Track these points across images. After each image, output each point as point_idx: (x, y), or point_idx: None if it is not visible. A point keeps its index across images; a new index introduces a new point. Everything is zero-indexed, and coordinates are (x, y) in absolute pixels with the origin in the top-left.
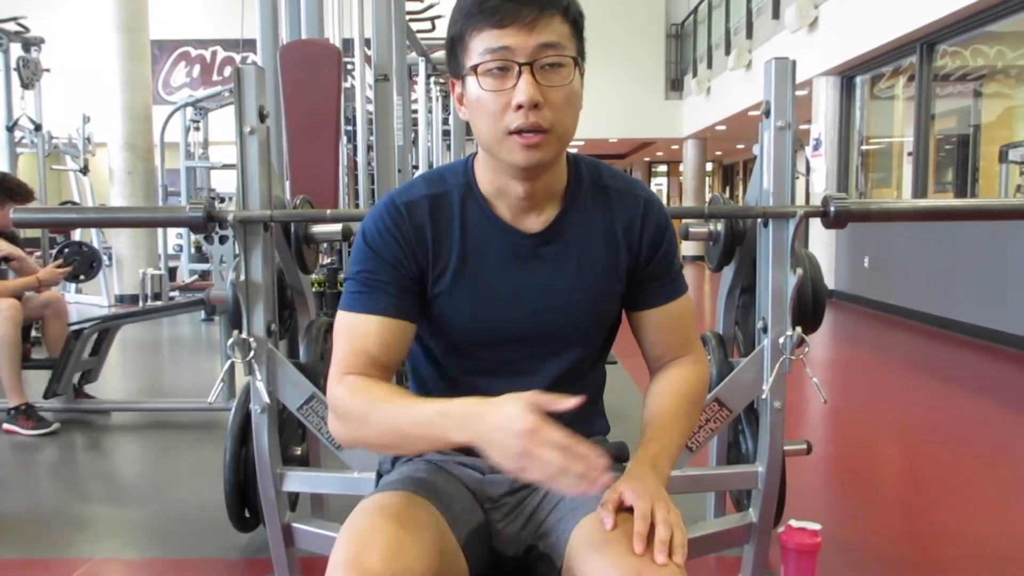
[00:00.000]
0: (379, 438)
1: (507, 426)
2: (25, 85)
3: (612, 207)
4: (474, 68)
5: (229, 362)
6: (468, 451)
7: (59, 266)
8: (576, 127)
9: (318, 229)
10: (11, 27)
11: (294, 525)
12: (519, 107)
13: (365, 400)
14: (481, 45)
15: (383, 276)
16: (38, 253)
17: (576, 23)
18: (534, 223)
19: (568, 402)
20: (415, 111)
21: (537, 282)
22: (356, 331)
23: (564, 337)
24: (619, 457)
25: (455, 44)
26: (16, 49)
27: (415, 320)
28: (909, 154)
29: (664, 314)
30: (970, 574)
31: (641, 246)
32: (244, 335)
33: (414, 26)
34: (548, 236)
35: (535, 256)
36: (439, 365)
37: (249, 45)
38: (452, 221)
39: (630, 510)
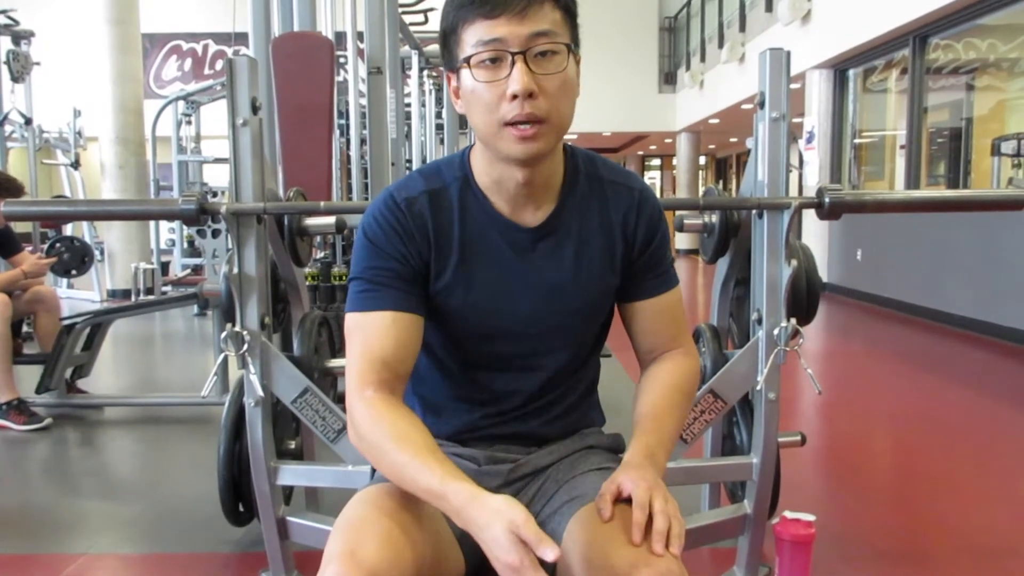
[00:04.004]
0: (387, 472)
1: (495, 549)
2: (15, 78)
3: (608, 200)
4: (467, 60)
5: (223, 356)
6: (464, 443)
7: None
8: (573, 115)
9: (312, 222)
10: (0, 20)
11: (288, 519)
12: (514, 97)
13: (379, 436)
14: (473, 37)
15: (389, 272)
16: (30, 248)
17: (568, 9)
18: (532, 217)
19: (549, 555)
20: (408, 104)
21: (535, 277)
22: (369, 333)
23: (562, 331)
24: (615, 448)
25: (448, 37)
26: (6, 42)
27: (424, 314)
28: (902, 147)
29: (656, 306)
30: (963, 565)
31: (636, 238)
32: (238, 328)
33: (407, 19)
34: (546, 230)
35: (533, 250)
36: (437, 358)
37: (241, 38)
38: (451, 216)
39: (627, 501)
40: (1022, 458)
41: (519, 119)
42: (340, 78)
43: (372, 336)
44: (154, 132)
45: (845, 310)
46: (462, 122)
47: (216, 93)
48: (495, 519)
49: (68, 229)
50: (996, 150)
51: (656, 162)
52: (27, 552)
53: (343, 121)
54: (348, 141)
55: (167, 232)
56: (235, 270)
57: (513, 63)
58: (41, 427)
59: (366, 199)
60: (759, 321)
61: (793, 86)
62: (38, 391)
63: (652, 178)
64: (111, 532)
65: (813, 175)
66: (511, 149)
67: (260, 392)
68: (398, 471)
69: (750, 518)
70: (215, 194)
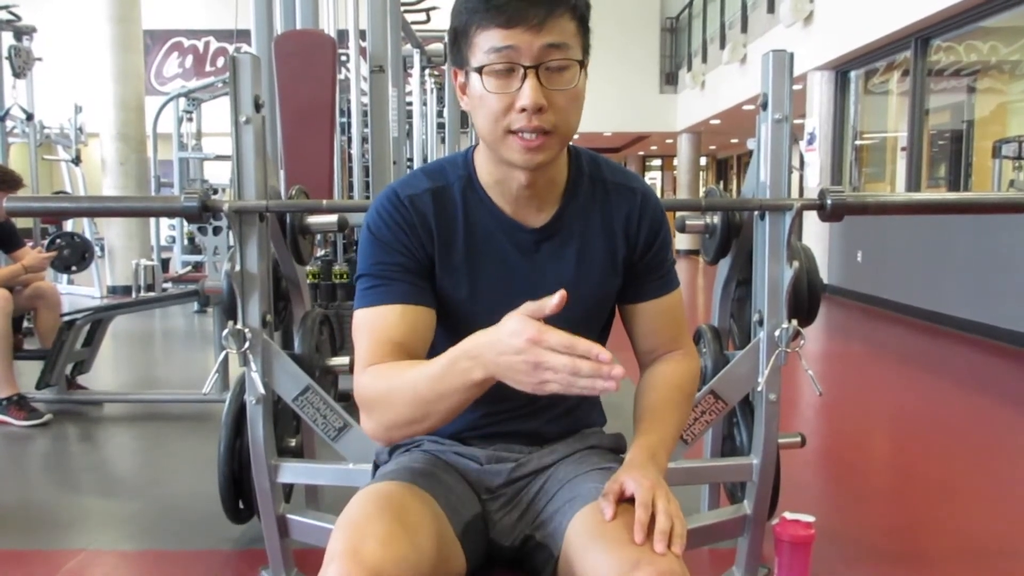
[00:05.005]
0: (407, 413)
1: (513, 342)
2: (17, 74)
3: (611, 201)
4: (479, 69)
5: (224, 353)
6: (465, 441)
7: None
8: (579, 124)
9: (314, 220)
10: (3, 16)
11: (289, 516)
12: (523, 110)
13: (385, 380)
14: (486, 43)
15: (396, 266)
16: (31, 243)
17: (583, 18)
18: (535, 218)
19: (554, 299)
20: (410, 103)
21: (539, 277)
22: (377, 323)
23: (564, 331)
24: (616, 448)
25: (458, 36)
26: (8, 38)
27: (435, 307)
28: (903, 149)
29: (657, 307)
30: (962, 566)
31: (638, 240)
32: (239, 326)
33: (409, 18)
34: (549, 231)
35: (537, 251)
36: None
37: (243, 36)
38: (455, 215)
39: (628, 501)
40: (1021, 459)
41: (526, 130)
42: (342, 76)
43: (380, 327)
44: (155, 129)
45: (845, 311)
46: (463, 121)
47: (217, 90)
48: (507, 319)
49: (69, 225)
50: (997, 153)
51: (657, 163)
52: (26, 548)
53: (345, 119)
54: (350, 139)
55: (168, 229)
56: (237, 267)
57: (525, 76)
58: (41, 423)
59: (367, 197)
60: (760, 322)
61: (794, 87)
62: (38, 387)
63: (653, 179)
64: (110, 528)
65: (814, 176)
66: (515, 156)
67: (261, 390)
68: (410, 391)
69: (750, 519)
70: (216, 191)
